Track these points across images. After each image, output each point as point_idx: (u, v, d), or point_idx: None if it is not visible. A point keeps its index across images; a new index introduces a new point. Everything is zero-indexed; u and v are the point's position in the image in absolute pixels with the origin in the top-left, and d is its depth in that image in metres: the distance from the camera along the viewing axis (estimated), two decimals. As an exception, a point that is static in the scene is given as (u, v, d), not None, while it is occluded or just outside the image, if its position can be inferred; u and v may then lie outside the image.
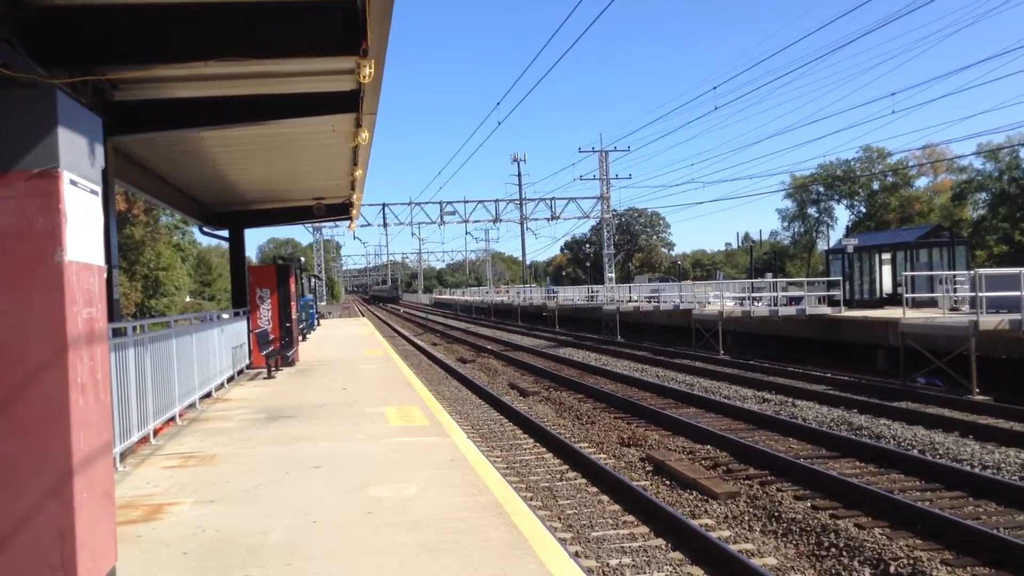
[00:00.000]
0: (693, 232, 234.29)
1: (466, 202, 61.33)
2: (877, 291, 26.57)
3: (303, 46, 7.19)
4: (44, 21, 6.47)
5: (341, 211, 19.68)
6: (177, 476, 7.15)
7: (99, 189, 4.23)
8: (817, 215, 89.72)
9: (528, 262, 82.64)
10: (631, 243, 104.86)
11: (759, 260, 60.96)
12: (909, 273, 23.22)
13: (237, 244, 18.97)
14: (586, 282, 75.47)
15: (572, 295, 52.53)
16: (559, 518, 8.09)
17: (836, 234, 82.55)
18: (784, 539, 7.39)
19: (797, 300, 26.18)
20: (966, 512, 7.97)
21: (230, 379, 14.47)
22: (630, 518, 8.01)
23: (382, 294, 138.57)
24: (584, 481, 9.58)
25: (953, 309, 20.94)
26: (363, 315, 64.88)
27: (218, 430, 9.52)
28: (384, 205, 59.13)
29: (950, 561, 6.58)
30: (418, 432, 8.91)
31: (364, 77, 7.46)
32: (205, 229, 18.96)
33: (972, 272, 18.29)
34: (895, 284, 25.64)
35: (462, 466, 7.15)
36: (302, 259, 38.70)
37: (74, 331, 3.76)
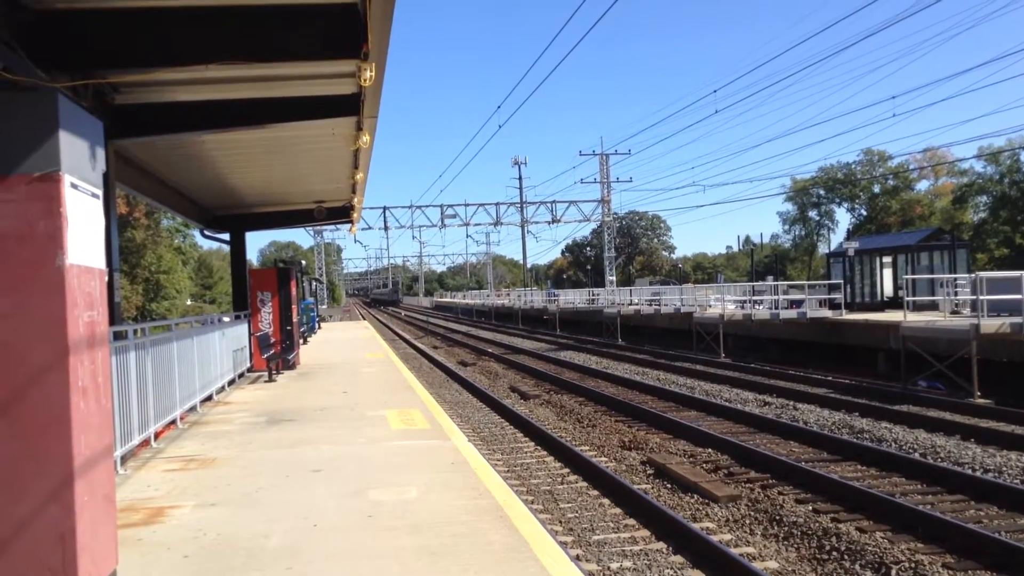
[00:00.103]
0: (694, 235, 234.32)
1: (467, 205, 61.61)
2: (878, 294, 26.56)
3: (304, 49, 7.20)
4: (45, 24, 6.48)
5: (342, 214, 19.70)
6: (178, 479, 7.15)
7: (100, 192, 4.23)
8: (818, 218, 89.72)
9: (529, 265, 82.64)
10: (632, 246, 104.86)
11: (760, 263, 60.99)
12: (910, 276, 23.20)
13: (238, 247, 18.99)
14: (587, 285, 75.49)
15: (573, 298, 52.53)
16: (560, 521, 8.08)
17: (837, 237, 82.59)
18: (785, 542, 7.37)
19: (798, 303, 26.17)
20: (968, 515, 7.96)
21: (231, 382, 14.46)
22: (631, 521, 8.00)
23: (382, 297, 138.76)
24: (585, 484, 9.57)
25: (954, 312, 20.92)
26: (364, 318, 64.88)
27: (219, 433, 9.52)
28: (385, 208, 59.14)
29: (952, 565, 6.57)
30: (419, 435, 8.90)
31: (365, 80, 7.47)
32: (206, 232, 18.99)
33: (973, 275, 18.27)
34: (896, 287, 25.63)
35: (463, 469, 7.15)
36: (303, 262, 38.75)
37: (75, 334, 3.77)
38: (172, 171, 13.52)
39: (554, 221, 61.09)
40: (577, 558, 6.82)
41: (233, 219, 18.61)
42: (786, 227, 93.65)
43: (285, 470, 7.37)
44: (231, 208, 18.17)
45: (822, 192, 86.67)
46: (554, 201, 61.46)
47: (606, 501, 8.79)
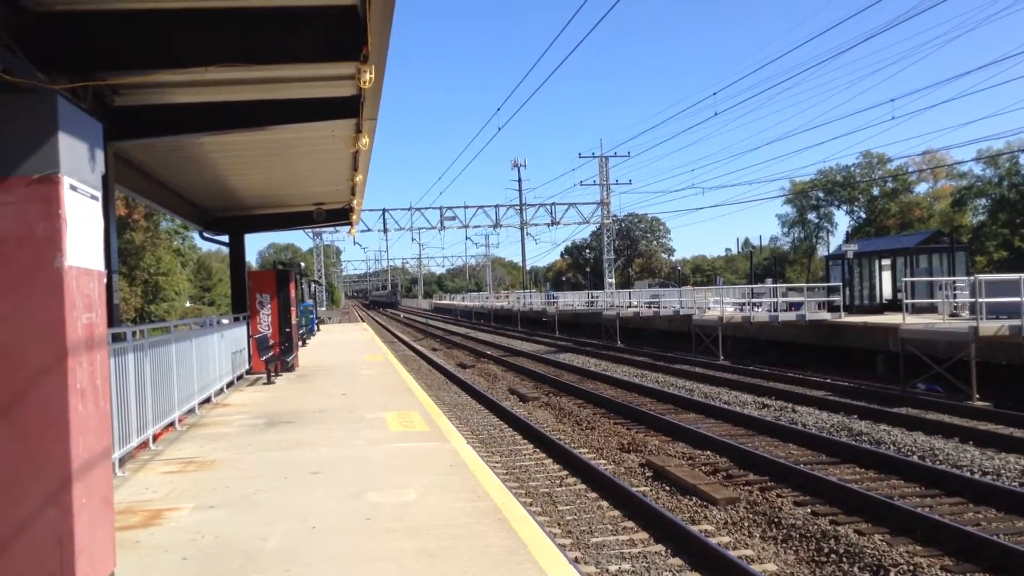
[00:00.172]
0: (693, 238, 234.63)
1: (466, 207, 61.47)
2: (877, 297, 26.58)
3: (303, 51, 7.20)
4: (44, 26, 6.48)
5: (341, 216, 19.70)
6: (176, 481, 7.14)
7: (99, 194, 4.24)
8: (817, 221, 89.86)
9: (528, 267, 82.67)
10: (631, 248, 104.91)
11: (759, 266, 61.01)
12: (909, 279, 23.25)
13: (237, 249, 18.98)
14: (586, 287, 75.47)
15: (572, 300, 52.55)
16: (559, 524, 8.08)
17: (836, 240, 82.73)
18: (784, 545, 7.37)
19: (797, 306, 26.20)
20: (966, 518, 7.96)
21: (230, 384, 14.46)
22: (630, 524, 8.00)
23: (381, 299, 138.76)
24: (584, 487, 9.57)
25: (953, 315, 20.94)
26: (363, 320, 64.86)
27: (217, 435, 9.51)
28: (384, 210, 59.23)
29: (950, 567, 6.57)
30: (418, 438, 8.90)
31: (364, 83, 7.47)
32: (205, 234, 18.97)
33: (972, 278, 18.31)
34: (895, 290, 25.66)
35: (461, 472, 7.15)
36: (302, 264, 38.76)
37: (74, 336, 3.77)
38: (171, 173, 13.53)
39: (553, 223, 61.21)
40: (576, 560, 6.81)
41: (232, 221, 18.61)
42: (785, 229, 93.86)
43: (284, 472, 7.37)
44: (230, 210, 18.17)
45: (821, 195, 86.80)
46: (553, 203, 61.61)
47: (605, 503, 8.79)
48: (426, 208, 61.91)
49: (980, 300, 16.18)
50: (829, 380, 18.44)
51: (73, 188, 3.85)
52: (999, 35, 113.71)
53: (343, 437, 9.07)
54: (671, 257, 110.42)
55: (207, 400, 12.28)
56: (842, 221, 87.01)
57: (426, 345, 36.51)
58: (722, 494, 8.77)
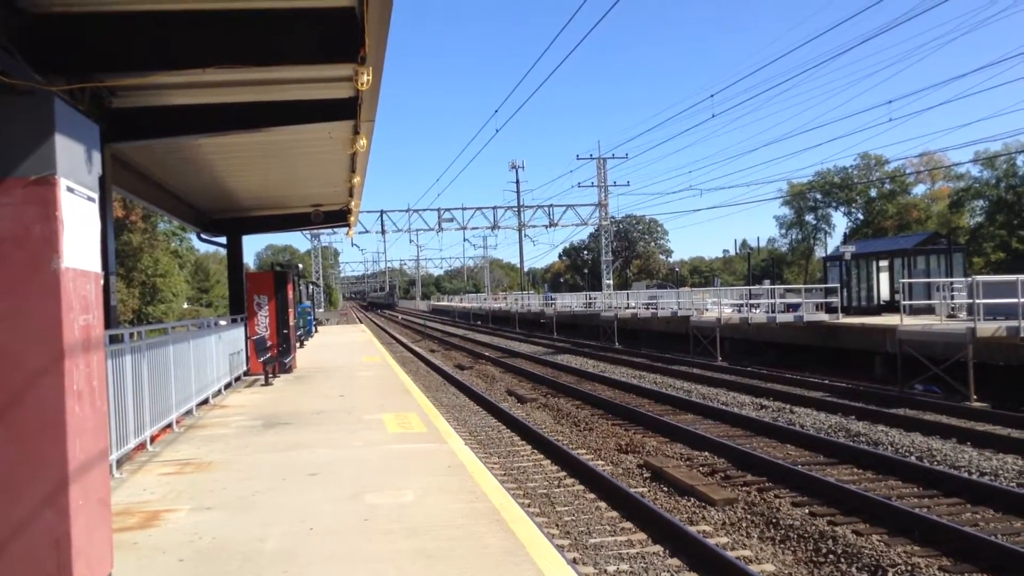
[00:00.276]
0: (691, 239, 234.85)
1: (464, 209, 61.54)
2: (875, 298, 26.60)
3: (301, 53, 7.20)
4: (42, 28, 6.48)
5: (339, 218, 19.69)
6: (174, 483, 7.14)
7: (96, 196, 4.24)
8: (815, 222, 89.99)
9: (526, 269, 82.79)
10: (629, 250, 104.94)
11: (757, 267, 61.05)
12: (907, 280, 23.28)
13: (235, 251, 18.98)
14: (584, 289, 75.45)
15: (570, 302, 52.53)
16: (557, 525, 8.08)
17: (834, 241, 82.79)
18: (782, 545, 7.38)
19: (795, 307, 26.21)
20: (964, 519, 7.97)
21: (227, 386, 14.45)
22: (628, 524, 8.00)
23: (378, 300, 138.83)
24: (582, 488, 9.57)
25: (950, 316, 20.97)
26: (361, 322, 64.83)
27: (215, 437, 9.51)
28: (382, 212, 59.28)
29: (948, 568, 6.58)
30: (416, 439, 8.90)
31: (362, 84, 7.47)
32: (203, 236, 18.95)
33: (969, 279, 18.33)
34: (892, 291, 25.68)
35: (459, 473, 7.14)
36: (300, 266, 38.74)
37: (70, 338, 3.77)
38: (169, 175, 13.52)
39: (551, 225, 61.29)
40: (574, 561, 6.81)
41: (230, 222, 18.60)
42: (783, 231, 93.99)
43: (281, 474, 7.36)
44: (228, 212, 18.17)
45: (819, 196, 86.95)
46: (551, 205, 61.71)
47: (603, 504, 8.79)
48: (424, 210, 62.09)
49: (977, 301, 16.20)
50: (827, 381, 18.46)
51: (70, 190, 3.85)
52: (997, 37, 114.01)
53: (341, 438, 9.07)
54: (669, 258, 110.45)
55: (205, 401, 12.27)
56: (840, 222, 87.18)
57: (424, 346, 36.50)
58: (720, 495, 8.77)
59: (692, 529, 7.56)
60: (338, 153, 12.04)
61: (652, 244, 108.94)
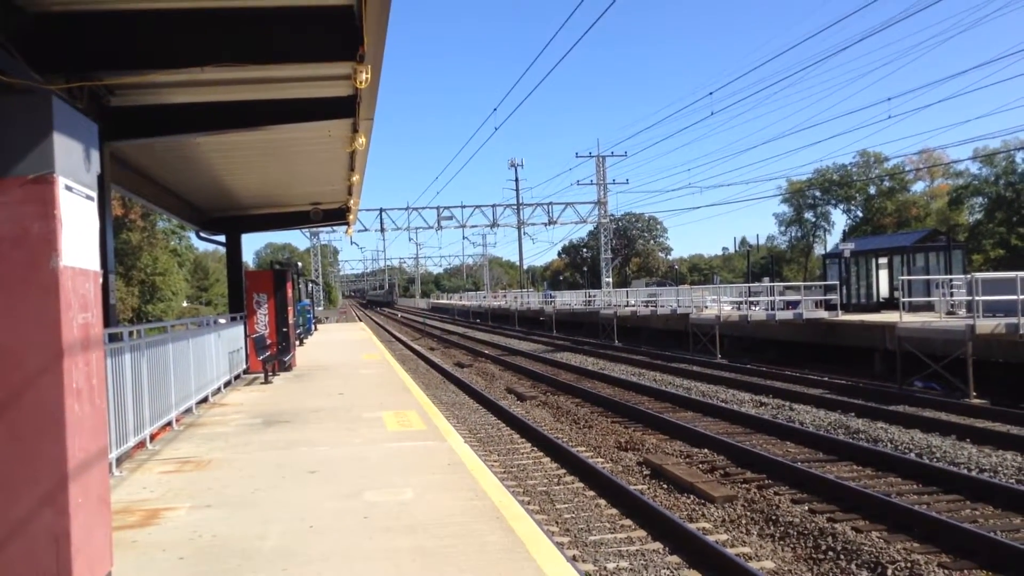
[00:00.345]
0: (690, 237, 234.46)
1: (463, 207, 61.55)
2: (874, 295, 26.61)
3: (300, 51, 7.20)
4: (40, 26, 6.48)
5: (338, 216, 19.68)
6: (173, 481, 7.14)
7: (95, 194, 4.24)
8: (814, 220, 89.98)
9: (526, 267, 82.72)
10: (628, 248, 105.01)
11: (756, 265, 61.02)
12: (906, 277, 23.27)
13: (234, 249, 18.97)
14: (583, 287, 75.46)
15: (569, 300, 52.54)
16: (556, 522, 8.08)
17: (833, 239, 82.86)
18: (782, 542, 7.39)
19: (794, 304, 26.23)
20: (963, 515, 7.98)
21: (227, 384, 14.45)
22: (627, 522, 8.00)
23: (378, 299, 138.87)
24: (581, 485, 9.57)
25: (950, 313, 20.97)
26: (360, 320, 64.82)
27: (215, 435, 9.51)
28: (381, 210, 59.24)
29: (947, 564, 6.58)
30: (415, 437, 8.90)
31: (361, 82, 7.47)
32: (202, 234, 18.95)
33: (969, 276, 18.34)
34: (892, 288, 25.68)
35: (459, 471, 7.15)
36: (299, 264, 38.75)
37: (69, 337, 3.77)
38: (168, 173, 13.51)
39: (551, 223, 61.27)
40: (574, 559, 6.82)
41: (229, 221, 18.59)
42: (782, 229, 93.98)
43: (281, 472, 7.37)
44: (227, 210, 18.16)
45: (818, 194, 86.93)
46: (551, 203, 61.67)
47: (602, 502, 8.80)
48: (423, 208, 62.05)
49: (977, 298, 16.21)
50: (826, 378, 18.48)
51: (68, 188, 3.84)
52: (995, 34, 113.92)
53: (341, 436, 9.07)
54: (668, 256, 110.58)
55: (204, 400, 12.27)
56: (839, 220, 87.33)
57: (424, 344, 36.50)
58: (720, 492, 8.78)
59: (692, 526, 7.57)
60: (337, 151, 12.04)
61: (651, 242, 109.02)
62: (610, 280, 61.16)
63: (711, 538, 7.26)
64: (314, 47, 7.17)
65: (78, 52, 6.77)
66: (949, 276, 23.42)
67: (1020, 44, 70.12)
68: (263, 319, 17.35)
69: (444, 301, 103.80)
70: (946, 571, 6.46)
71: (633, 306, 39.04)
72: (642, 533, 7.62)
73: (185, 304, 70.23)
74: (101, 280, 4.31)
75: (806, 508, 8.30)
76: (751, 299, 29.25)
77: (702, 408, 14.92)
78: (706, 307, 31.59)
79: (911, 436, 11.67)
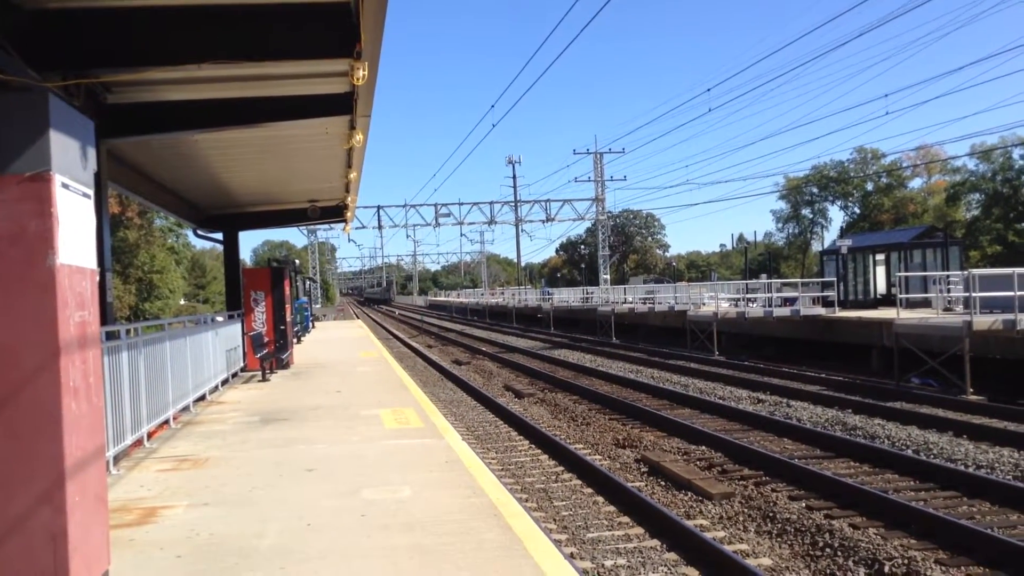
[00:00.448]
0: (688, 233, 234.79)
1: (461, 204, 61.58)
2: (871, 292, 26.64)
3: (297, 49, 7.19)
4: (37, 24, 6.46)
5: (335, 213, 19.67)
6: (171, 479, 7.13)
7: (92, 192, 4.23)
8: (811, 216, 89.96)
9: (523, 264, 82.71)
10: (626, 245, 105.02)
11: (754, 261, 61.09)
12: (903, 274, 23.28)
13: (231, 247, 18.96)
14: (581, 284, 75.49)
15: (567, 297, 52.56)
16: (554, 519, 8.09)
17: (830, 235, 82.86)
18: (779, 539, 7.40)
19: (792, 301, 26.23)
20: (960, 512, 7.99)
21: (224, 382, 14.44)
22: (625, 519, 8.01)
23: (376, 296, 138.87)
24: (579, 482, 9.58)
25: (947, 310, 21.00)
26: (358, 317, 64.79)
27: (212, 433, 9.50)
28: (379, 207, 59.16)
29: (944, 561, 6.59)
30: (413, 434, 8.90)
31: (358, 80, 7.46)
32: (199, 232, 18.93)
33: (966, 273, 18.35)
34: (889, 285, 25.72)
35: (457, 468, 7.15)
36: (296, 261, 38.72)
37: (66, 335, 3.76)
38: (165, 170, 13.49)
39: (548, 220, 61.20)
40: (571, 556, 6.82)
41: (226, 218, 18.58)
42: (779, 225, 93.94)
43: (279, 469, 7.36)
44: (224, 207, 18.14)
45: (815, 190, 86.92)
46: (548, 200, 61.63)
47: (600, 499, 8.80)
48: (421, 205, 62.49)
49: (974, 295, 16.23)
50: (824, 375, 18.50)
51: (65, 186, 3.83)
52: (992, 30, 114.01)
53: (338, 434, 9.07)
54: (666, 253, 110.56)
55: (202, 398, 12.26)
56: (836, 216, 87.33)
57: (421, 342, 36.50)
58: (717, 489, 8.79)
59: (689, 523, 7.57)
60: (334, 148, 12.02)
61: (649, 239, 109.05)
62: (608, 277, 61.13)
63: (708, 535, 7.27)
64: (311, 44, 7.16)
65: (75, 49, 6.76)
66: (946, 272, 23.44)
67: (1017, 40, 70.09)
68: (260, 317, 17.34)
69: (442, 299, 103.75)
70: (943, 567, 6.47)
71: (631, 303, 39.04)
72: (640, 530, 7.63)
73: (182, 302, 70.20)
74: (98, 278, 4.30)
75: (803, 505, 8.31)
76: (749, 296, 29.26)
77: (700, 405, 14.93)
78: (704, 304, 31.61)
79: (908, 432, 11.69)
